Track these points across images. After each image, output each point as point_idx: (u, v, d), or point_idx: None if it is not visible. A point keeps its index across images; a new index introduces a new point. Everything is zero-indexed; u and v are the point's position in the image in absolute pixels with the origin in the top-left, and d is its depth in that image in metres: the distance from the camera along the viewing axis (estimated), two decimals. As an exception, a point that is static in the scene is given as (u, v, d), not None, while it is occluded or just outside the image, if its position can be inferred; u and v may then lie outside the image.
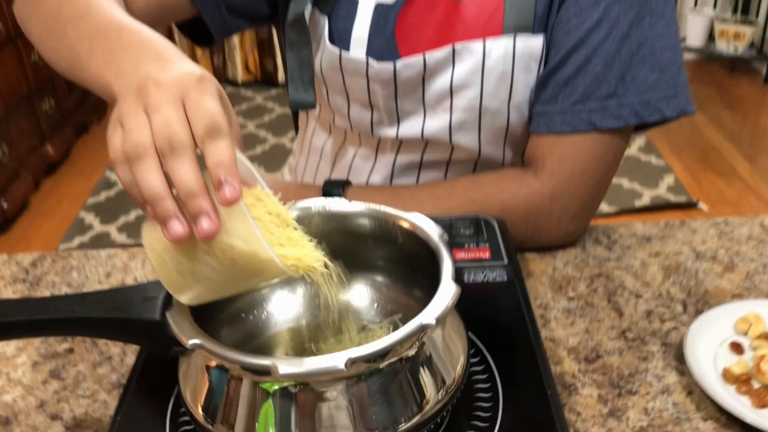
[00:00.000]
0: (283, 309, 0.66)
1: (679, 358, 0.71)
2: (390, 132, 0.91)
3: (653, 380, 0.69)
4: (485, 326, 0.65)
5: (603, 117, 0.80)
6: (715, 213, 2.65)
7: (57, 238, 2.66)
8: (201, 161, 0.49)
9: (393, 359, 0.49)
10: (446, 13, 0.84)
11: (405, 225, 0.60)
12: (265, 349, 0.63)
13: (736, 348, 0.70)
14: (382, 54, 0.86)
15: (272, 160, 3.05)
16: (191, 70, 0.53)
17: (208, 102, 0.50)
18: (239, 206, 0.47)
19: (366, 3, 0.86)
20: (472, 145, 0.89)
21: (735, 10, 3.75)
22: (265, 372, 0.46)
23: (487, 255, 0.75)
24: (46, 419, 0.69)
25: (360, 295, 0.67)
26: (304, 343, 0.64)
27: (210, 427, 0.51)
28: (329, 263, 0.53)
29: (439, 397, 0.52)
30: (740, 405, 0.63)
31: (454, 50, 0.83)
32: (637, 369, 0.70)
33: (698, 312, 0.77)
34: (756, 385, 0.65)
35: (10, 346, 0.77)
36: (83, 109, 3.30)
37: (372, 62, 0.85)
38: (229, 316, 0.62)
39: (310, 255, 0.52)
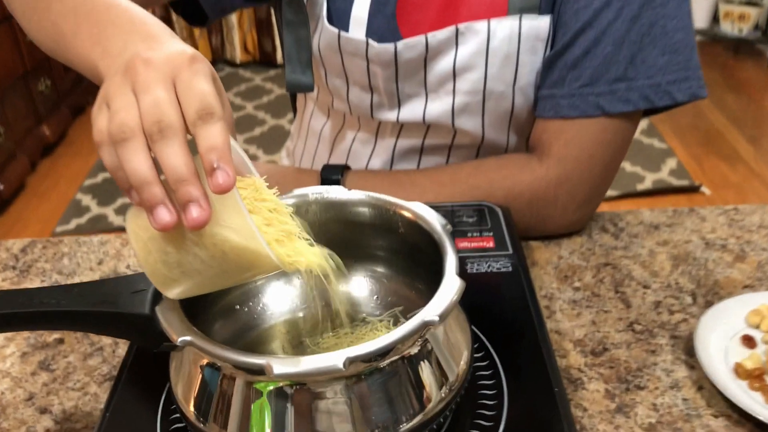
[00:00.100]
0: (279, 301, 0.64)
1: (688, 352, 0.69)
2: (390, 115, 0.88)
3: (662, 375, 0.66)
4: (489, 319, 0.63)
5: (611, 101, 0.77)
6: (718, 197, 2.63)
7: (54, 220, 2.63)
8: (191, 147, 0.47)
9: (394, 358, 0.47)
10: (449, -8, 0.81)
11: (406, 214, 0.58)
12: (260, 343, 0.61)
13: (748, 341, 0.67)
14: (382, 35, 0.83)
15: (271, 142, 3.02)
16: (183, 49, 0.50)
17: (201, 83, 0.47)
18: (232, 195, 0.44)
19: (366, -19, 0.83)
20: (475, 130, 0.86)
21: (740, -9, 3.70)
22: (259, 371, 0.44)
23: (491, 244, 0.72)
24: (35, 413, 0.67)
25: (359, 286, 0.64)
26: (302, 336, 0.61)
27: (201, 426, 0.49)
28: (329, 258, 0.51)
29: (442, 395, 0.50)
30: (753, 401, 0.61)
31: (457, 31, 0.80)
32: (645, 363, 0.68)
33: (708, 303, 0.74)
34: (769, 380, 0.63)
35: (-2, 337, 0.75)
36: (80, 90, 3.26)
37: (372, 43, 0.82)
38: (222, 308, 0.60)
39: (308, 250, 0.49)
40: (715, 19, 3.79)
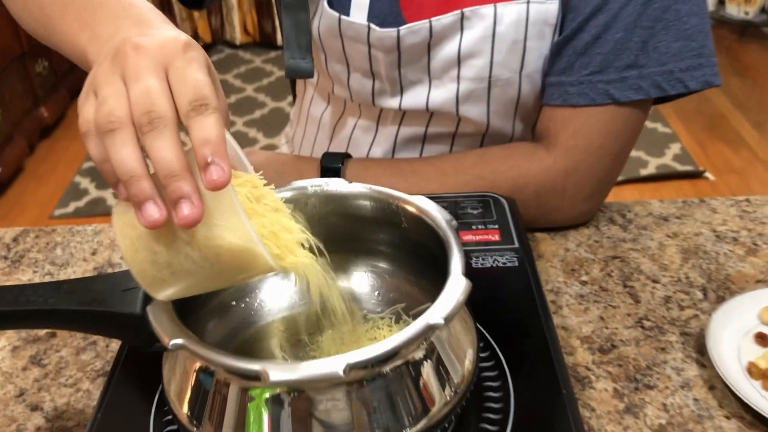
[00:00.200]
0: (277, 297, 0.61)
1: (699, 350, 0.66)
2: (392, 102, 0.85)
3: (672, 373, 0.64)
4: (494, 316, 0.61)
5: (622, 89, 0.74)
6: (722, 182, 2.60)
7: (52, 204, 2.61)
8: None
9: (396, 363, 0.45)
10: (454, -25, 0.78)
11: (410, 209, 0.55)
12: (257, 341, 0.59)
13: (762, 339, 0.65)
14: (384, 19, 0.80)
15: (271, 125, 2.98)
16: (176, 35, 0.47)
17: (195, 72, 0.45)
18: (227, 192, 0.42)
19: (368, -37, 0.80)
20: (480, 118, 0.83)
21: (746, -27, 3.65)
22: (255, 378, 0.41)
23: (496, 237, 0.70)
24: (26, 410, 0.65)
25: (360, 282, 0.62)
26: (300, 334, 0.59)
27: (195, 430, 0.47)
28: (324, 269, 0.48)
29: (447, 398, 0.48)
30: (767, 403, 0.59)
31: (462, 15, 0.77)
32: (654, 361, 0.66)
33: (719, 299, 0.72)
34: (784, 381, 0.61)
35: (-12, 330, 0.73)
36: (78, 71, 3.20)
37: (374, 28, 0.79)
38: (217, 304, 0.58)
39: (303, 254, 0.47)
40: (721, 1, 3.74)
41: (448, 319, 0.44)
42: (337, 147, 0.95)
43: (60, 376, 0.68)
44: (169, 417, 0.54)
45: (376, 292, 0.62)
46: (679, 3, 0.72)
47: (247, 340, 0.59)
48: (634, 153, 2.70)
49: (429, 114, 0.85)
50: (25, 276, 0.81)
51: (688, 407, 0.61)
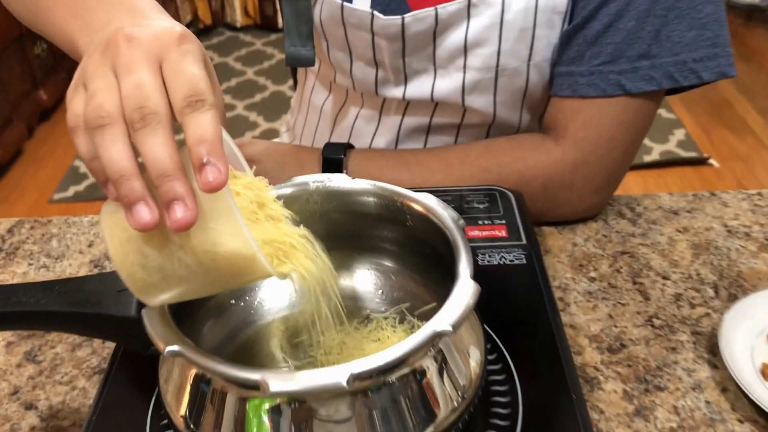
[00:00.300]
0: (277, 295, 0.60)
1: (711, 350, 0.65)
2: (396, 92, 0.83)
3: (683, 375, 0.63)
4: (501, 316, 0.59)
5: (633, 79, 0.72)
6: (726, 169, 2.58)
7: (52, 187, 2.59)
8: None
9: (402, 372, 0.43)
10: (461, -39, 0.75)
11: (415, 207, 0.53)
12: (256, 341, 0.57)
13: (776, 340, 0.63)
14: (388, 6, 0.77)
15: (272, 109, 2.96)
16: (171, 26, 0.45)
17: (191, 66, 0.42)
18: (223, 194, 0.40)
19: (372, -53, 0.78)
20: (487, 108, 0.81)
21: (753, -44, 3.60)
22: (254, 387, 0.40)
23: (503, 233, 0.68)
24: (20, 408, 0.63)
25: (364, 280, 0.60)
26: (301, 334, 0.57)
27: (192, 437, 0.45)
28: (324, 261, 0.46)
29: (455, 404, 0.46)
30: (782, 407, 0.57)
31: (469, 2, 0.74)
32: (665, 361, 0.64)
33: (731, 296, 0.70)
34: (799, 383, 0.59)
35: (-19, 326, 0.71)
36: (77, 54, 3.19)
37: (377, 15, 0.76)
38: (216, 304, 0.56)
39: (303, 258, 0.45)
40: (727, -15, 3.70)
41: (456, 326, 0.42)
42: (339, 137, 0.93)
43: (55, 374, 0.66)
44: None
45: (380, 291, 0.60)
46: (694, -10, 0.70)
47: (247, 341, 0.57)
48: (638, 139, 2.67)
49: (434, 104, 0.83)
50: (20, 269, 0.80)
51: (700, 410, 0.59)
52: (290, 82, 3.13)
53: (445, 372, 0.45)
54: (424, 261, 0.56)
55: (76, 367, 0.67)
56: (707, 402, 0.60)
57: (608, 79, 0.72)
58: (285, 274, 0.44)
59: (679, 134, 2.72)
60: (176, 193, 0.39)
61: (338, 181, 0.56)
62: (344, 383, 0.39)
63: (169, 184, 0.39)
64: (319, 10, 0.81)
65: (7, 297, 0.49)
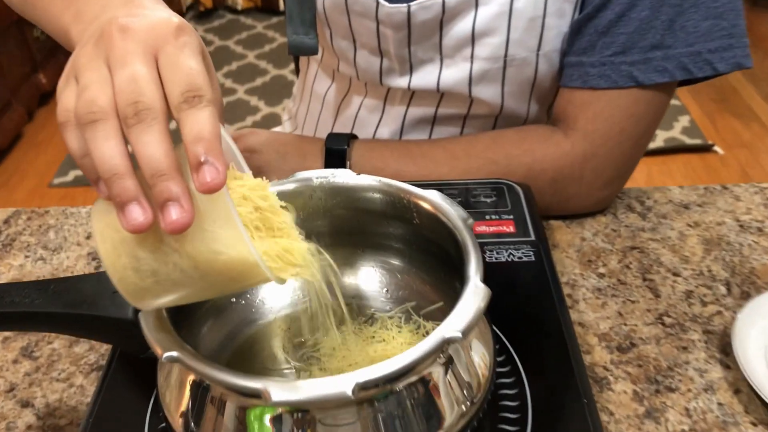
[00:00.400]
0: (279, 293, 0.58)
1: (723, 350, 0.63)
2: (401, 82, 0.81)
3: (695, 375, 0.61)
4: (509, 317, 0.57)
5: (646, 71, 0.70)
6: (731, 156, 2.55)
7: (51, 172, 2.57)
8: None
9: (410, 380, 0.41)
10: (469, -53, 0.73)
11: (422, 204, 0.52)
12: (257, 341, 0.55)
13: (791, 340, 0.62)
14: (394, -7, 0.75)
15: (273, 93, 2.93)
16: (168, 17, 0.43)
17: (188, 59, 0.40)
18: (221, 195, 0.38)
19: (377, -68, 0.75)
20: (494, 99, 0.79)
21: (761, -60, 3.55)
22: (256, 396, 0.38)
23: (511, 228, 0.66)
24: (16, 406, 0.62)
25: (368, 278, 0.58)
26: (304, 333, 0.55)
27: (192, 443, 0.44)
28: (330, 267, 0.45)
29: (463, 410, 0.45)
30: (797, 410, 0.55)
31: (477, -10, 0.72)
32: (676, 361, 0.62)
33: (744, 294, 0.69)
34: (815, 386, 0.58)
35: (-24, 320, 0.70)
36: (76, 36, 3.15)
37: (382, 3, 0.74)
38: (216, 303, 0.54)
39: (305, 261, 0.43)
40: (733, -31, 3.65)
41: (466, 332, 0.40)
42: (342, 126, 0.90)
43: (52, 370, 0.65)
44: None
45: (385, 289, 0.58)
46: (710, -21, 0.68)
47: (248, 340, 0.55)
48: (642, 126, 2.65)
49: (439, 95, 0.81)
50: (16, 261, 0.78)
51: (712, 412, 0.58)
52: (292, 66, 3.10)
53: (453, 378, 0.44)
54: (431, 259, 0.54)
55: (73, 363, 0.65)
56: (720, 404, 0.59)
57: (620, 70, 0.70)
58: (284, 280, 0.42)
59: (683, 121, 2.70)
60: (171, 194, 0.37)
61: (342, 176, 0.54)
62: (349, 393, 0.37)
63: (164, 183, 0.37)
64: (323, -3, 0.79)
65: (0, 297, 0.47)
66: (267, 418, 0.40)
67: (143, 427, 0.53)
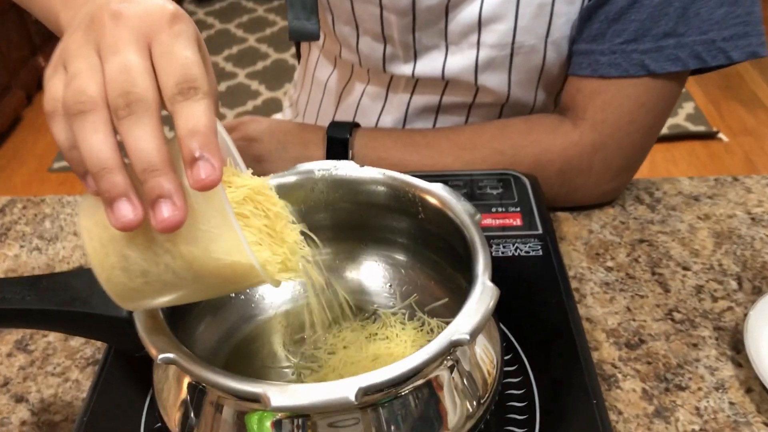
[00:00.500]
0: (279, 288, 0.56)
1: (734, 347, 0.62)
2: (405, 69, 0.79)
3: (705, 373, 0.60)
4: (516, 314, 0.55)
5: (658, 59, 0.68)
6: (735, 144, 2.53)
7: (51, 155, 2.55)
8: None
9: (415, 384, 0.40)
10: (476, -70, 0.71)
11: (429, 199, 0.50)
12: (257, 338, 0.54)
13: (804, 338, 0.60)
14: (398, -23, 0.73)
15: (274, 77, 2.90)
16: (162, 4, 0.41)
17: (184, 49, 0.38)
18: (216, 193, 0.36)
19: None
20: (501, 87, 0.77)
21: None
22: (254, 400, 0.36)
23: (518, 221, 0.65)
24: (10, 401, 0.60)
25: (371, 273, 0.57)
26: (304, 330, 0.54)
27: (188, 446, 0.42)
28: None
29: (470, 412, 0.43)
30: (811, 410, 0.54)
31: (484, -25, 0.70)
32: (686, 358, 0.61)
33: (755, 289, 0.67)
34: (829, 385, 0.56)
35: (-30, 312, 0.68)
36: (76, 19, 3.12)
37: (387, -13, 0.72)
38: (213, 299, 0.53)
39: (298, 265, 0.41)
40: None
41: (474, 334, 0.39)
42: (344, 114, 0.89)
43: (47, 364, 0.63)
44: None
45: (389, 285, 0.57)
46: (725, -36, 0.65)
47: (247, 337, 0.54)
48: (647, 112, 2.62)
49: (444, 83, 0.79)
50: (11, 251, 0.76)
51: (723, 412, 0.57)
52: (293, 50, 3.07)
53: (459, 380, 0.42)
54: (436, 255, 0.53)
55: (69, 357, 0.64)
56: (731, 403, 0.57)
57: (631, 58, 0.68)
58: (279, 282, 0.40)
59: (688, 107, 2.68)
60: (163, 190, 0.35)
61: (345, 169, 0.52)
62: (352, 398, 0.36)
63: (156, 179, 0.35)
64: (325, -18, 0.77)
65: (-11, 293, 0.45)
66: (266, 422, 0.39)
67: (139, 426, 0.52)
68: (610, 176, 0.73)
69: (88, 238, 0.38)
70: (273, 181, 0.51)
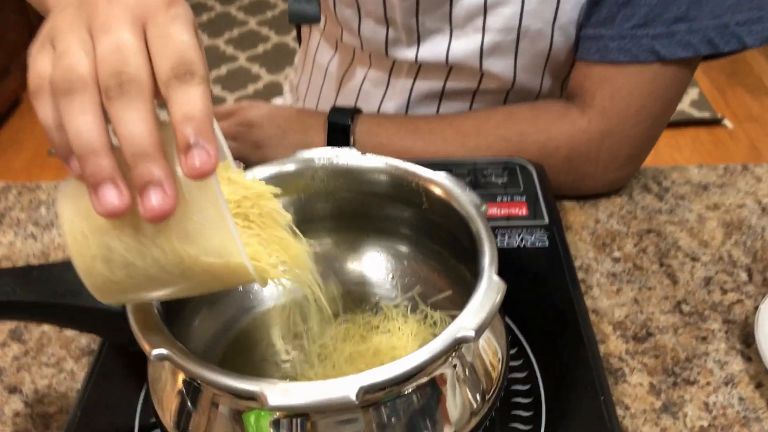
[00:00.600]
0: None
1: (744, 340, 0.60)
2: (408, 54, 0.77)
3: (714, 367, 0.58)
4: (522, 307, 0.54)
5: (669, 45, 0.66)
6: (740, 130, 2.51)
7: (49, 139, 2.53)
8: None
9: (418, 382, 0.38)
10: None
11: (433, 189, 0.48)
12: (255, 330, 0.52)
13: (816, 332, 0.59)
14: (402, -42, 0.71)
15: (275, 61, 2.88)
16: None
17: (181, 32, 0.36)
18: (210, 183, 0.34)
19: None
20: (506, 73, 0.75)
21: None
22: (251, 399, 0.35)
23: (523, 211, 0.63)
24: (3, 392, 0.59)
25: (373, 264, 0.55)
26: (304, 323, 0.52)
27: (183, 444, 0.41)
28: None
29: (474, 410, 0.42)
30: (823, 407, 0.53)
31: (490, -44, 0.68)
32: (695, 352, 0.59)
33: (766, 281, 0.65)
34: (842, 381, 0.55)
35: (-37, 301, 0.67)
36: None
37: (390, -32, 0.70)
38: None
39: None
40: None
41: (480, 331, 0.37)
42: (345, 100, 0.87)
43: (42, 354, 0.62)
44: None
45: (391, 276, 0.55)
46: (740, -54, 0.63)
47: (245, 330, 0.52)
48: (651, 98, 2.60)
49: (448, 68, 0.77)
50: (6, 238, 0.75)
51: (733, 407, 0.55)
52: (295, 33, 3.04)
53: (464, 376, 0.41)
54: (440, 246, 0.51)
55: (64, 347, 0.63)
56: (741, 398, 0.56)
57: (641, 43, 0.66)
58: (266, 282, 0.39)
59: (692, 93, 2.65)
60: (153, 177, 0.33)
61: (347, 157, 0.50)
62: (353, 397, 0.34)
63: (146, 165, 0.33)
64: (326, -37, 0.75)
65: (-22, 285, 0.44)
66: (264, 420, 0.38)
67: (134, 420, 0.50)
68: (617, 165, 0.71)
69: (68, 225, 0.36)
70: (272, 169, 0.49)
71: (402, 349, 0.49)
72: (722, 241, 0.70)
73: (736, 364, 0.58)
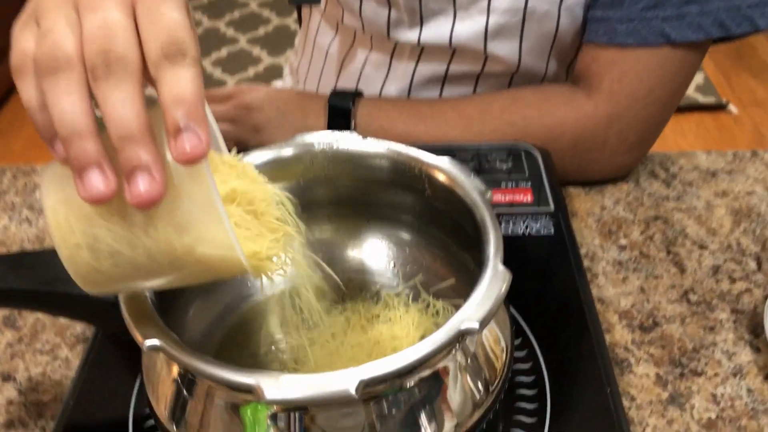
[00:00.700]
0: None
1: (752, 331, 0.59)
2: (410, 36, 0.75)
3: (722, 358, 0.57)
4: (526, 297, 0.53)
5: (679, 27, 0.64)
6: (745, 115, 2.49)
7: (48, 123, 2.52)
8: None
9: (420, 375, 0.37)
10: None
11: (436, 175, 0.47)
12: (253, 319, 0.51)
13: (827, 323, 0.57)
14: (405, -63, 0.69)
15: (275, 43, 2.85)
16: None
17: (171, 10, 0.35)
18: (201, 169, 0.32)
19: None
20: (511, 56, 0.73)
21: None
22: (247, 392, 0.34)
23: (528, 198, 0.61)
24: (-4, 380, 0.58)
25: (374, 251, 0.54)
26: (302, 312, 0.51)
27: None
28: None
29: (478, 404, 0.40)
30: (834, 400, 0.51)
31: (495, -65, 0.66)
32: (702, 342, 0.58)
33: (775, 270, 0.64)
34: None
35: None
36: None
37: (393, -53, 0.68)
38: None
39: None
40: None
41: (485, 323, 0.36)
42: (346, 83, 0.85)
43: (36, 341, 0.61)
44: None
45: (392, 264, 0.54)
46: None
47: (242, 319, 0.51)
48: (655, 83, 2.57)
49: (452, 50, 0.75)
50: (0, 222, 0.74)
51: (741, 399, 0.54)
52: (296, 14, 3.01)
53: (467, 368, 0.40)
54: (443, 233, 0.50)
55: (58, 334, 0.61)
56: (749, 390, 0.55)
57: (650, 26, 0.64)
58: (260, 275, 0.38)
59: (697, 78, 2.62)
60: (141, 161, 0.32)
61: (347, 141, 0.49)
62: (353, 391, 0.33)
63: (133, 148, 0.32)
64: (327, -59, 0.73)
65: (-33, 272, 0.43)
66: (261, 414, 0.36)
67: (128, 410, 0.49)
68: (624, 150, 0.70)
69: (51, 211, 0.34)
70: (270, 153, 0.48)
71: (403, 338, 0.48)
72: (731, 229, 0.68)
73: (745, 355, 0.57)
